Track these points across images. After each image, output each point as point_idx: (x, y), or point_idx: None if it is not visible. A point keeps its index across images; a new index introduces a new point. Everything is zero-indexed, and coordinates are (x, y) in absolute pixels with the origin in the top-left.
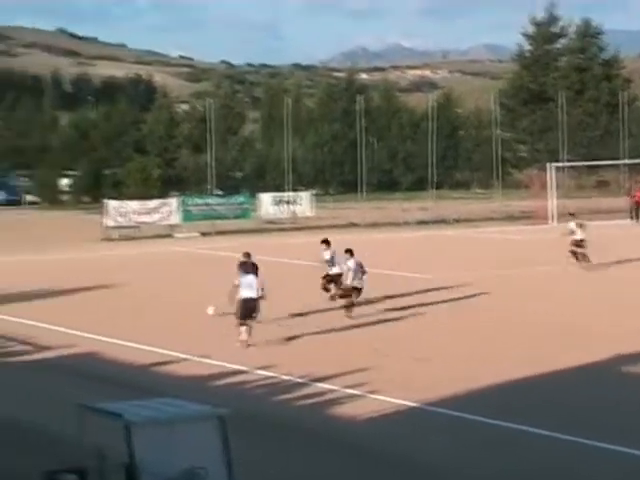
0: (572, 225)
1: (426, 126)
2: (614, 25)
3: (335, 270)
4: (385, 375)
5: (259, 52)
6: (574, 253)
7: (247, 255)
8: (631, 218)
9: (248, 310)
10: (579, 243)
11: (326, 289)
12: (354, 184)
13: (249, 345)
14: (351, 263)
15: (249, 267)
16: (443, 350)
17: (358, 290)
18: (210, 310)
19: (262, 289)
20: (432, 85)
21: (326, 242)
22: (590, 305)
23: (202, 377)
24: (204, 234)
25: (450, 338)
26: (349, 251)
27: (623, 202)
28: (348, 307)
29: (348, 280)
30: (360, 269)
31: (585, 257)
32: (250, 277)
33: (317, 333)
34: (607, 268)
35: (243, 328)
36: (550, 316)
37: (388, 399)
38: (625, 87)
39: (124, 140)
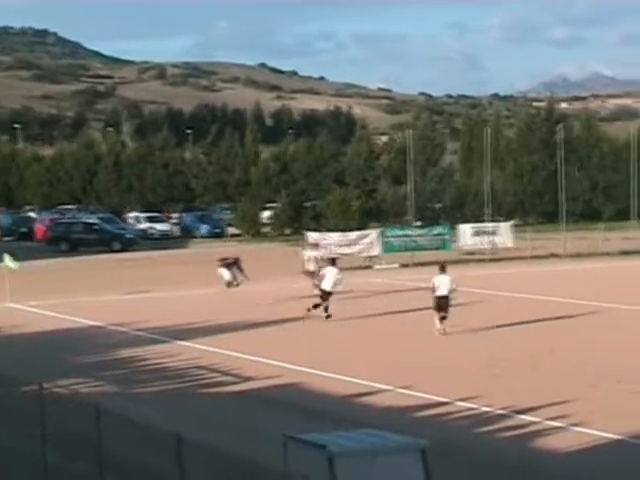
0: None
1: (627, 155)
2: None
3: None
4: (589, 406)
5: (458, 83)
6: None
7: None
8: None
9: (440, 305)
10: None
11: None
12: (554, 214)
13: (445, 333)
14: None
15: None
16: None
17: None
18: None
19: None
20: (634, 114)
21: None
22: None
23: (403, 408)
24: (403, 265)
25: None
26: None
27: None
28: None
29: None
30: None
31: None
32: (443, 277)
33: (519, 364)
34: None
35: (437, 319)
36: None
37: (592, 431)
38: None
39: (324, 172)
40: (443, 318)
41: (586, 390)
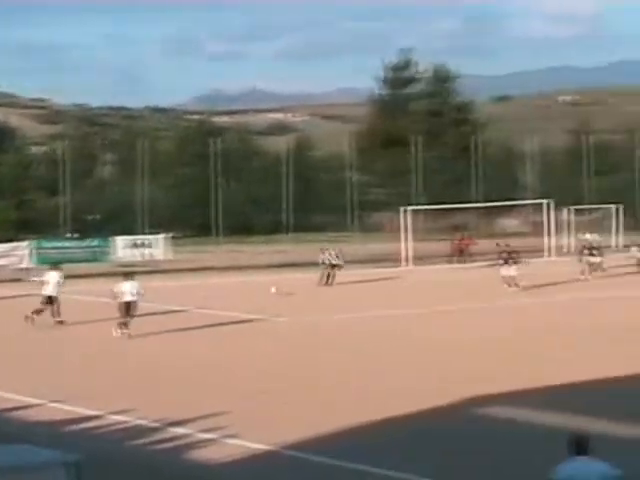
0: None
1: (282, 169)
2: (469, 70)
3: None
4: (242, 418)
5: (117, 94)
6: None
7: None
8: (459, 262)
9: (127, 309)
10: None
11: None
12: (209, 227)
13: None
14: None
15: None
16: (299, 393)
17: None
18: (273, 289)
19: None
20: (289, 128)
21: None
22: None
23: (56, 422)
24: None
25: (306, 381)
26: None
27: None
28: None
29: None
30: None
31: None
32: (129, 284)
33: (175, 375)
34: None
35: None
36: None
37: (244, 443)
38: (479, 131)
39: None
40: (125, 324)
41: (239, 402)
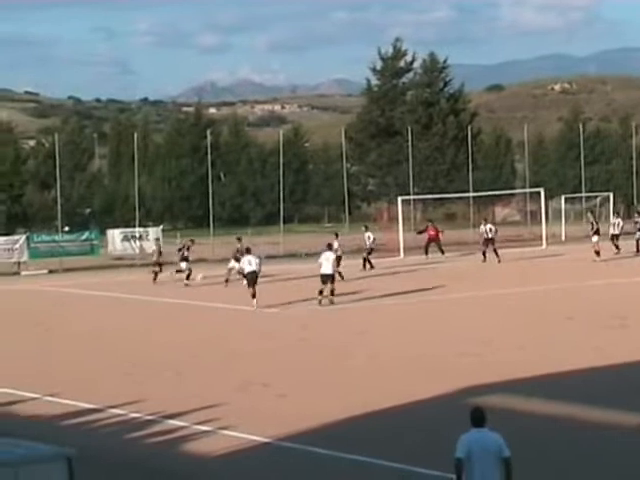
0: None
1: (275, 160)
2: (460, 59)
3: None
4: (238, 410)
5: (108, 87)
6: None
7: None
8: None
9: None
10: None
11: None
12: (203, 219)
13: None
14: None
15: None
16: (296, 385)
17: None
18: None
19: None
20: (281, 120)
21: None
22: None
23: (51, 417)
24: (52, 271)
25: (301, 373)
26: None
27: (469, 235)
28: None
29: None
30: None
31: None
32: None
33: (165, 368)
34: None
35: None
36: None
37: (241, 435)
38: (471, 121)
39: None
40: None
41: (234, 394)
